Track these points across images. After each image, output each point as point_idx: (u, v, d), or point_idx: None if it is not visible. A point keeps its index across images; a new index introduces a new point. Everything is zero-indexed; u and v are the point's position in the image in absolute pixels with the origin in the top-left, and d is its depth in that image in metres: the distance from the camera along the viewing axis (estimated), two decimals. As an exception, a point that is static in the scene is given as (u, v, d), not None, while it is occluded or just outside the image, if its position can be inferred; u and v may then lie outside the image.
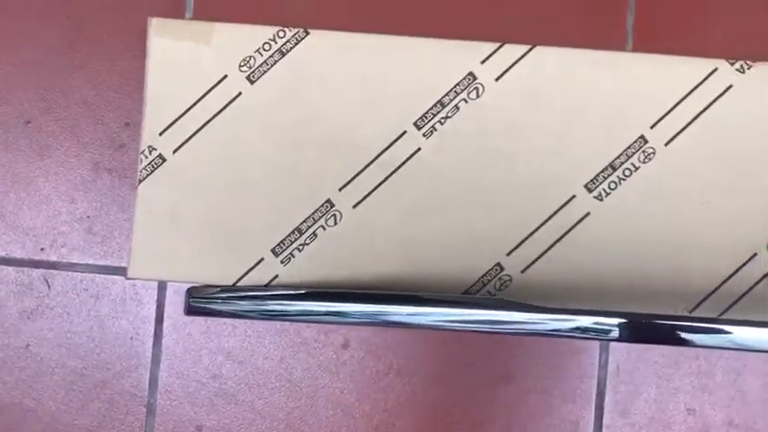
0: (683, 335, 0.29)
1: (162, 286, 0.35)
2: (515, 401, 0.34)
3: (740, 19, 0.34)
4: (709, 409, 0.34)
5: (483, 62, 0.32)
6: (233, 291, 0.31)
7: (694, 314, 0.31)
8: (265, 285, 0.32)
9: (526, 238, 0.32)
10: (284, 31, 0.32)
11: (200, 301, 0.31)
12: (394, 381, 0.34)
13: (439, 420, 0.34)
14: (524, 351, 0.34)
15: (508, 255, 0.32)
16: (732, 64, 0.32)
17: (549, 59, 0.32)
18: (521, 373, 0.34)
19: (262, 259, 0.32)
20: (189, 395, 0.35)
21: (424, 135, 0.32)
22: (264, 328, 0.34)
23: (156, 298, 0.35)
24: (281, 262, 0.32)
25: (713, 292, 0.31)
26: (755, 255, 0.32)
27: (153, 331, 0.35)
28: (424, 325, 0.29)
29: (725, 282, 0.31)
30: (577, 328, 0.29)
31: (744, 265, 0.31)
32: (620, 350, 0.34)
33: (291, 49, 0.32)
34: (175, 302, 0.35)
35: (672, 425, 0.34)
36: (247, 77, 0.32)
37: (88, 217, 0.34)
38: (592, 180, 0.32)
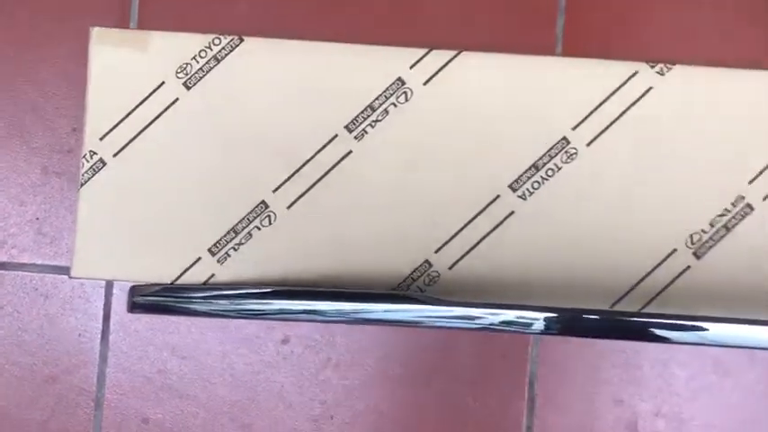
0: (604, 327, 0.31)
1: (109, 285, 0.36)
2: (449, 395, 0.35)
3: (666, 23, 0.35)
4: (637, 399, 0.35)
5: (411, 67, 0.33)
6: (173, 289, 0.33)
7: (615, 308, 0.33)
8: (203, 284, 0.33)
9: (453, 237, 0.33)
10: (219, 39, 0.33)
11: (142, 299, 0.33)
12: (331, 374, 0.36)
13: (374, 413, 0.36)
14: (458, 346, 0.35)
15: (436, 252, 0.33)
16: (652, 67, 0.33)
17: (475, 64, 0.33)
18: (454, 368, 0.35)
19: (199, 258, 0.33)
20: (135, 389, 0.36)
21: (355, 138, 0.33)
22: (207, 326, 0.36)
23: (103, 296, 0.36)
24: (218, 261, 0.33)
25: (635, 286, 0.33)
26: (675, 250, 0.33)
27: (100, 328, 0.36)
28: (370, 319, 0.31)
29: (646, 276, 0.33)
30: (503, 322, 0.31)
31: (664, 260, 0.33)
32: (549, 345, 0.35)
33: (226, 55, 0.33)
34: (122, 301, 0.36)
35: (601, 415, 0.35)
36: (184, 83, 0.33)
37: (37, 219, 0.36)
38: (516, 180, 0.33)
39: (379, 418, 0.36)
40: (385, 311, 0.31)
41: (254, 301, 0.31)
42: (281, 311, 0.31)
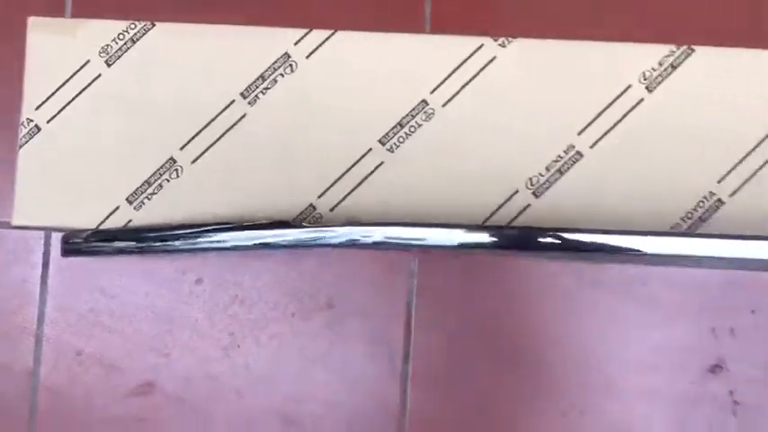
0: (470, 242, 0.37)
1: (47, 236, 0.42)
2: (336, 325, 0.41)
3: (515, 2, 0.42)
4: (515, 317, 0.41)
5: (296, 44, 0.40)
6: (98, 233, 0.39)
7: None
8: (122, 228, 0.39)
9: (333, 184, 0.39)
10: (135, 24, 0.40)
11: (72, 244, 0.39)
12: (238, 309, 0.42)
13: (272, 344, 0.41)
14: (344, 277, 0.41)
15: (319, 197, 0.39)
16: (495, 40, 0.40)
17: (350, 41, 0.40)
18: (340, 298, 0.41)
19: (118, 207, 0.39)
20: (70, 326, 0.42)
21: (249, 103, 0.40)
22: (132, 269, 0.42)
23: (42, 246, 0.42)
24: (134, 208, 0.39)
25: (485, 221, 0.39)
26: (517, 191, 0.39)
27: (40, 274, 0.42)
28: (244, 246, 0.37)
29: (493, 213, 0.39)
30: (375, 243, 0.37)
31: (508, 199, 0.39)
32: (428, 270, 0.41)
33: (141, 37, 0.40)
34: (59, 249, 0.42)
35: (479, 332, 0.41)
36: (105, 62, 0.40)
37: (-14, 182, 0.42)
38: (384, 135, 0.39)
39: (279, 346, 0.41)
40: (275, 236, 0.37)
41: (166, 239, 0.38)
42: (189, 246, 0.37)
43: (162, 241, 0.38)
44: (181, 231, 0.37)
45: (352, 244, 0.37)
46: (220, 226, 0.38)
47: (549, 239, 0.36)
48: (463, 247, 0.37)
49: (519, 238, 0.37)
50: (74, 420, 0.42)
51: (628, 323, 0.41)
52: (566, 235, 0.36)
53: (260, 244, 0.37)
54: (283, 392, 0.41)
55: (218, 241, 0.37)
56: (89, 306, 0.42)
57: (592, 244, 0.36)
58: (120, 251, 0.38)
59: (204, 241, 0.37)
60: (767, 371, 0.41)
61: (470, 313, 0.41)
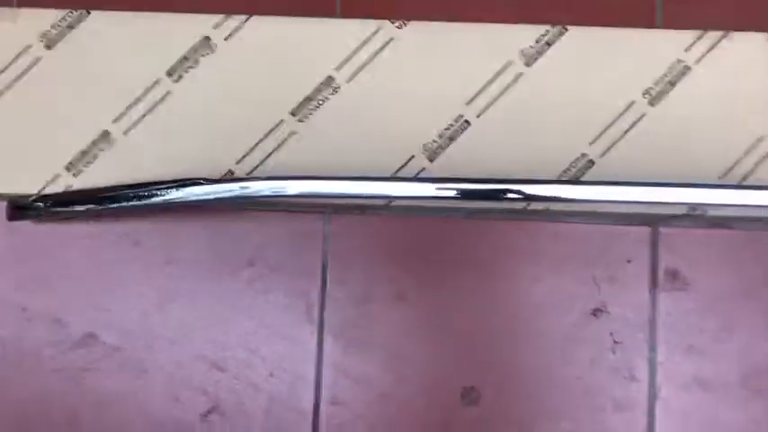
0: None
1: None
2: (257, 281, 0.46)
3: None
4: (417, 265, 0.46)
5: (215, 27, 0.45)
6: (42, 197, 0.44)
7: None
8: (61, 192, 0.44)
9: (249, 152, 0.44)
10: (72, 12, 0.45)
11: (16, 210, 0.43)
12: (172, 269, 0.46)
13: (202, 299, 0.46)
14: (265, 239, 0.46)
15: (237, 163, 0.44)
16: (393, 23, 0.45)
17: (264, 25, 0.45)
18: (262, 258, 0.46)
19: (58, 175, 0.44)
20: (17, 285, 0.46)
21: (174, 81, 0.44)
22: (74, 233, 0.46)
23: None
24: (73, 175, 0.44)
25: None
26: (413, 156, 0.44)
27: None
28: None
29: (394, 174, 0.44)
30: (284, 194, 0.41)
31: (406, 162, 0.44)
32: (338, 232, 0.46)
33: (77, 24, 0.45)
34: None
35: (387, 283, 0.46)
36: (45, 45, 0.45)
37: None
38: (295, 107, 0.44)
39: (208, 300, 0.46)
40: (207, 192, 0.41)
41: (105, 201, 0.42)
42: (132, 204, 0.42)
43: (100, 203, 0.42)
44: (118, 193, 0.42)
45: (272, 196, 0.41)
46: (154, 185, 0.42)
47: (445, 188, 0.41)
48: (369, 197, 0.42)
49: (417, 189, 0.42)
50: (24, 371, 0.46)
51: (519, 275, 0.46)
52: (462, 185, 0.41)
53: (197, 200, 0.41)
54: (211, 341, 0.46)
55: (146, 196, 0.42)
56: (34, 266, 0.46)
57: (483, 191, 0.41)
58: (65, 214, 0.43)
59: (139, 199, 0.42)
60: (642, 314, 0.46)
61: (378, 268, 0.46)
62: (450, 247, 0.47)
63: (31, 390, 0.46)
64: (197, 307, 0.46)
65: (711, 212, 0.46)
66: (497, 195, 0.41)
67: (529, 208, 0.45)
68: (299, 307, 0.46)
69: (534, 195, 0.41)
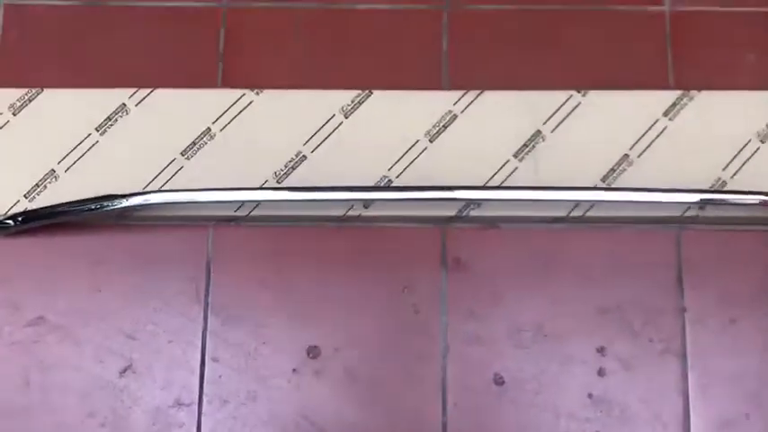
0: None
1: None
2: (161, 276, 0.65)
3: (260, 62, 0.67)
4: (291, 275, 0.65)
5: (130, 97, 0.65)
6: (10, 218, 0.62)
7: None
8: (21, 212, 0.63)
9: (156, 176, 0.63)
10: (31, 90, 0.65)
11: None
12: (99, 267, 0.65)
13: (120, 287, 0.64)
14: (166, 241, 0.65)
15: (144, 187, 0.63)
16: (253, 90, 0.65)
17: (166, 94, 0.65)
18: (164, 257, 0.65)
19: (19, 200, 0.63)
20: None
21: (100, 134, 0.64)
22: (31, 243, 0.65)
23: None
24: (29, 201, 0.63)
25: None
26: (266, 181, 0.63)
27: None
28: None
29: (252, 195, 0.63)
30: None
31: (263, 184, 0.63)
32: (220, 237, 0.65)
33: (35, 98, 0.65)
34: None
35: (268, 286, 0.64)
36: (12, 113, 0.64)
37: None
38: (184, 149, 0.64)
39: (125, 289, 0.64)
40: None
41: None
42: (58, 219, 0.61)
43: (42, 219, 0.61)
44: (55, 210, 0.61)
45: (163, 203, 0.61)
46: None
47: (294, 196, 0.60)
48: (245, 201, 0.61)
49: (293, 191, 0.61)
50: (-9, 344, 0.64)
51: (356, 267, 0.65)
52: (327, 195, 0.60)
53: (112, 209, 0.60)
54: (128, 319, 0.64)
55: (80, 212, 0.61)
56: (1, 267, 0.65)
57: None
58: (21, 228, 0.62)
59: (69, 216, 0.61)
60: (436, 290, 0.64)
61: (248, 264, 0.65)
62: (299, 248, 0.65)
63: (1, 356, 0.63)
64: (117, 294, 0.64)
65: (485, 213, 0.64)
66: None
67: (363, 215, 0.63)
68: (190, 293, 0.65)
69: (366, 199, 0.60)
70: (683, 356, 0.63)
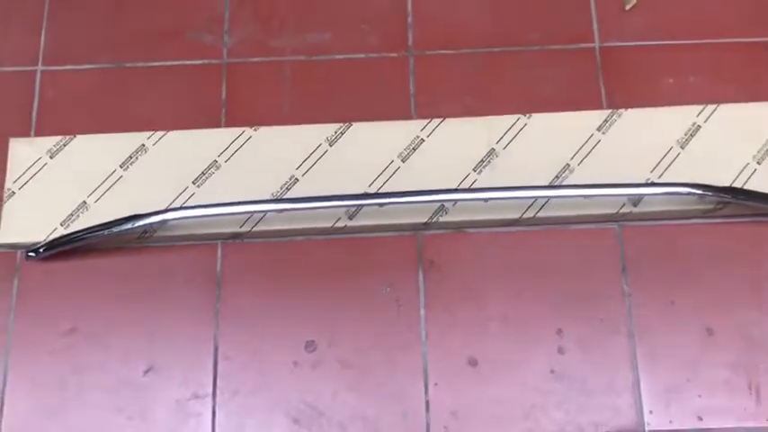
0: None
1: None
2: (178, 288, 0.75)
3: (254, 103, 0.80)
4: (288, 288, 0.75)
5: (148, 138, 0.77)
6: (45, 245, 0.74)
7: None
8: (50, 240, 0.74)
9: (172, 202, 0.75)
10: (65, 137, 0.77)
11: (36, 251, 0.73)
12: (125, 286, 0.75)
13: (143, 305, 0.75)
14: (181, 258, 0.76)
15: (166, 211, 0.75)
16: (251, 127, 0.77)
17: (180, 135, 0.77)
18: (181, 269, 0.76)
19: (56, 228, 0.74)
20: (34, 288, 0.75)
21: (124, 170, 0.76)
22: (62, 263, 0.76)
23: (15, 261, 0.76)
24: (64, 228, 0.74)
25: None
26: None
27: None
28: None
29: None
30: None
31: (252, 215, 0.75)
32: (229, 256, 0.76)
33: (68, 143, 0.77)
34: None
35: (286, 296, 0.75)
36: (49, 156, 0.77)
37: (-15, 228, 0.77)
38: (196, 177, 0.76)
39: (139, 306, 0.75)
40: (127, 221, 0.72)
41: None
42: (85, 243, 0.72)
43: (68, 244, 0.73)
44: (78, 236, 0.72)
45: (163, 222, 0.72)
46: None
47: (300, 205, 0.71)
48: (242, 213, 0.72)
49: (291, 201, 0.72)
50: (32, 352, 0.74)
51: (354, 275, 0.75)
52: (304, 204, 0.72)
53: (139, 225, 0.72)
54: (150, 327, 0.74)
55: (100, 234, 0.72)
56: (40, 282, 0.75)
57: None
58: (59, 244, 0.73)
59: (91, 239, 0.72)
60: (415, 287, 0.75)
61: (257, 271, 0.76)
62: (294, 258, 0.76)
63: (41, 362, 0.73)
64: (140, 306, 0.75)
65: (452, 218, 0.75)
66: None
67: (349, 225, 0.75)
68: (203, 302, 0.75)
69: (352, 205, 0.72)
70: (631, 335, 0.73)
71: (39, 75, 0.83)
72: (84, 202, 0.75)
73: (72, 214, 0.75)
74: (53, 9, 0.85)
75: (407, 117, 0.80)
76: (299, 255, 0.76)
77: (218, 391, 0.72)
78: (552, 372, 0.72)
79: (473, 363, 0.73)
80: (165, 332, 0.74)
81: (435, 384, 0.72)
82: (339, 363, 0.73)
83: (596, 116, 0.77)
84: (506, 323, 0.74)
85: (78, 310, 0.75)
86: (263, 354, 0.73)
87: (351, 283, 0.75)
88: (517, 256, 0.76)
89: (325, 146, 0.77)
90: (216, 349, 0.74)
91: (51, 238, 0.74)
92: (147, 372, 0.73)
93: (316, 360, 0.73)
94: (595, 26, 0.84)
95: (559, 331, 0.73)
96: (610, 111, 0.78)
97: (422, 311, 0.74)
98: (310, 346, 0.74)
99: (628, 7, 0.84)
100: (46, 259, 0.76)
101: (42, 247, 0.74)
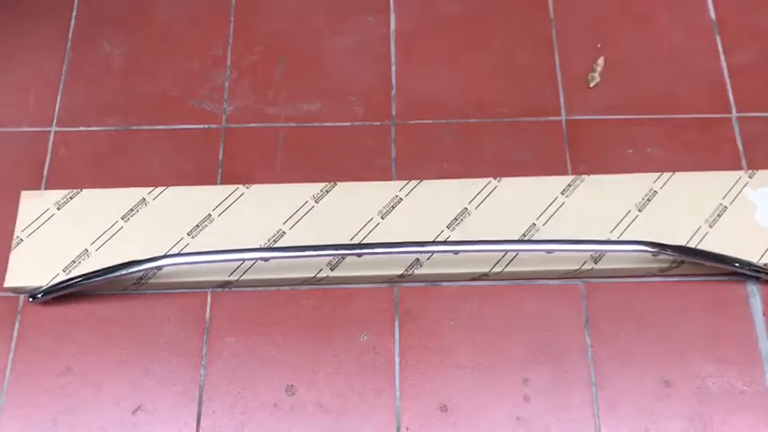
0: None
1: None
2: (169, 333, 0.80)
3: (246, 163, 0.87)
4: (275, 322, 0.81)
5: (149, 193, 0.84)
6: (46, 290, 0.79)
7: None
8: (52, 285, 0.80)
9: (167, 252, 0.81)
10: (72, 191, 0.84)
11: (38, 296, 0.79)
12: (117, 330, 0.81)
13: (137, 349, 0.80)
14: (171, 305, 0.81)
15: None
16: (245, 185, 0.84)
17: (177, 190, 0.84)
18: (174, 315, 0.81)
19: (58, 274, 0.80)
20: (35, 326, 0.80)
21: (125, 221, 0.82)
22: (61, 307, 0.81)
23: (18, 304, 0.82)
24: (66, 273, 0.80)
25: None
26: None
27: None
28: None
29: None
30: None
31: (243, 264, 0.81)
32: (219, 301, 0.81)
33: (75, 196, 0.84)
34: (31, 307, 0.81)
35: (274, 342, 0.80)
36: (57, 208, 0.83)
37: (-8, 273, 0.83)
38: (190, 230, 0.82)
39: (133, 350, 0.80)
40: (125, 266, 0.77)
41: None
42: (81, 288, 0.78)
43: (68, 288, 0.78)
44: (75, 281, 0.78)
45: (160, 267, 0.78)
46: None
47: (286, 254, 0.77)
48: (232, 260, 0.78)
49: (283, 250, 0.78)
50: (20, 393, 0.78)
51: (322, 325, 0.81)
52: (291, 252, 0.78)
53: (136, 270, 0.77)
54: (140, 369, 0.79)
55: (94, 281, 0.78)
56: (40, 321, 0.81)
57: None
58: (61, 288, 0.79)
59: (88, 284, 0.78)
60: (388, 334, 0.80)
61: (243, 318, 0.81)
62: (278, 307, 0.81)
63: (36, 400, 0.78)
64: (131, 349, 0.80)
65: (426, 271, 0.81)
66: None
67: (330, 276, 0.80)
68: (191, 346, 0.80)
69: (335, 255, 0.78)
70: (593, 385, 0.77)
71: (52, 135, 0.90)
72: (86, 250, 0.81)
73: (74, 261, 0.81)
74: (69, 76, 0.94)
75: (389, 179, 0.87)
76: (283, 303, 0.82)
77: (201, 430, 0.76)
78: (518, 419, 0.76)
79: (443, 409, 0.77)
80: (155, 374, 0.79)
81: (407, 429, 0.76)
82: (317, 405, 0.77)
83: (561, 181, 0.84)
84: (476, 371, 0.78)
85: (74, 353, 0.80)
86: (245, 396, 0.78)
87: (331, 330, 0.80)
88: (487, 308, 0.81)
89: (312, 203, 0.83)
90: (201, 390, 0.78)
91: (53, 281, 0.80)
92: (135, 411, 0.77)
93: (295, 403, 0.77)
94: (562, 101, 0.92)
95: (525, 380, 0.78)
96: (573, 176, 0.85)
97: (397, 359, 0.79)
98: (290, 389, 0.78)
99: (592, 85, 0.92)
100: (47, 303, 0.81)
101: (43, 291, 0.79)
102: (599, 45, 0.95)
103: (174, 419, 0.77)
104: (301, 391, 0.78)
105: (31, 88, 0.93)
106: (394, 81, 0.94)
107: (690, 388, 0.77)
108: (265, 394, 0.78)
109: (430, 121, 0.91)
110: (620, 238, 0.81)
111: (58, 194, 0.85)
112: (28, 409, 0.78)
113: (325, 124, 0.91)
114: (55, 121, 0.91)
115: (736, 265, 0.79)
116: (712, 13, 0.97)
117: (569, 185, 0.84)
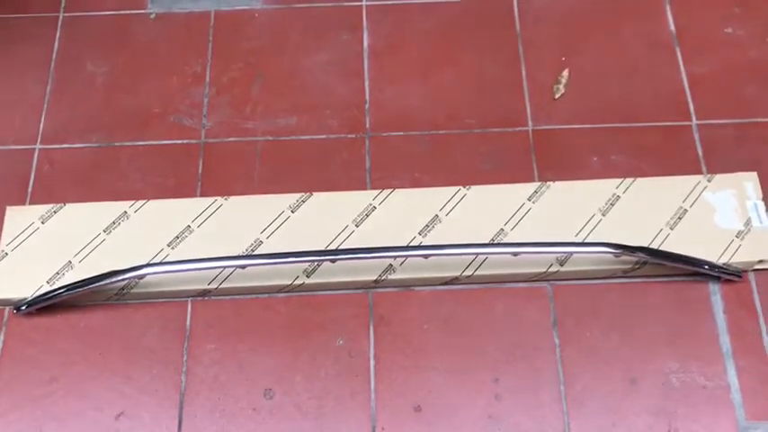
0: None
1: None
2: (150, 341, 0.83)
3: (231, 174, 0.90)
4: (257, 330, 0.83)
5: (130, 206, 0.87)
6: (30, 301, 0.82)
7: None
8: (36, 296, 0.82)
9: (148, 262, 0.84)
10: (56, 205, 0.87)
11: (22, 307, 0.82)
12: (98, 339, 0.83)
13: (117, 358, 0.82)
14: (154, 314, 0.84)
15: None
16: (223, 197, 0.87)
17: (158, 203, 0.87)
18: (156, 323, 0.83)
19: (42, 285, 0.83)
20: (20, 335, 0.82)
21: (107, 233, 0.85)
22: (47, 318, 0.83)
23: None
24: (50, 285, 0.83)
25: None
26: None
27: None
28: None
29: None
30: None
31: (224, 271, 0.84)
32: (199, 310, 0.84)
33: (58, 211, 0.87)
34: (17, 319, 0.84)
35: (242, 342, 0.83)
36: (41, 222, 0.86)
37: (-22, 286, 0.85)
38: (170, 241, 0.85)
39: (116, 359, 0.82)
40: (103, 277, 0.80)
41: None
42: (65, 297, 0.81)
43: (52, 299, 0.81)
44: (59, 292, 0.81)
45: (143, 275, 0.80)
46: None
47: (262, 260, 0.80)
48: (216, 267, 0.81)
49: (275, 257, 0.81)
50: (11, 401, 0.80)
51: (304, 329, 0.83)
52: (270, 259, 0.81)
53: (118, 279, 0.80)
54: (122, 376, 0.81)
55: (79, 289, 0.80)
56: (25, 329, 0.83)
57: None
58: (47, 298, 0.81)
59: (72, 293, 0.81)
60: (366, 340, 0.82)
61: (222, 325, 0.83)
62: (256, 314, 0.84)
63: (22, 409, 0.80)
64: (114, 357, 0.82)
65: (399, 276, 0.84)
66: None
67: (306, 283, 0.83)
68: (172, 353, 0.82)
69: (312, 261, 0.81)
70: (561, 383, 0.80)
71: (37, 152, 0.93)
72: (70, 262, 0.84)
73: (58, 273, 0.84)
74: (53, 95, 0.97)
75: (363, 189, 0.90)
76: (261, 310, 0.84)
77: (182, 434, 0.79)
78: (490, 417, 0.79)
79: (417, 409, 0.79)
80: (137, 381, 0.81)
81: (383, 429, 0.78)
82: (295, 408, 0.80)
83: (528, 188, 0.88)
84: (448, 372, 0.81)
85: (58, 362, 0.82)
86: (225, 401, 0.80)
87: (307, 336, 0.83)
88: (458, 311, 0.84)
89: (288, 212, 0.86)
90: (182, 396, 0.80)
91: (38, 293, 0.82)
92: (118, 416, 0.79)
93: (273, 406, 0.80)
94: (529, 112, 0.95)
95: (496, 380, 0.81)
96: (540, 183, 0.88)
97: (372, 362, 0.82)
98: (269, 393, 0.80)
99: (557, 96, 0.96)
100: (31, 314, 0.84)
101: (27, 302, 0.82)
102: (563, 58, 0.99)
103: (155, 424, 0.79)
104: (279, 394, 0.80)
105: (17, 107, 0.96)
106: (368, 95, 0.97)
107: (654, 384, 0.80)
108: (245, 398, 0.80)
109: (402, 133, 0.94)
110: (585, 240, 0.84)
111: (43, 209, 0.87)
112: (14, 417, 0.80)
113: (302, 137, 0.94)
114: (39, 138, 0.94)
115: (698, 265, 0.82)
116: (672, 26, 1.01)
117: (536, 192, 0.87)
